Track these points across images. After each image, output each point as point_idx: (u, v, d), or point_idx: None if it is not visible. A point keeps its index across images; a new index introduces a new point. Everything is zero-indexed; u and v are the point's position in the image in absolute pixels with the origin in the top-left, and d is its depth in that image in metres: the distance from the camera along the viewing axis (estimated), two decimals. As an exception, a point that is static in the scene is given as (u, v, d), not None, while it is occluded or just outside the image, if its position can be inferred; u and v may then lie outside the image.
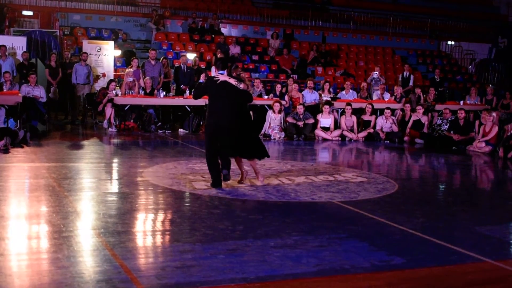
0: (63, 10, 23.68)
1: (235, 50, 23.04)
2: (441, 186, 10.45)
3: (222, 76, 8.75)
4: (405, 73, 21.16)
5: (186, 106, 16.10)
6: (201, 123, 16.32)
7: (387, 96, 18.53)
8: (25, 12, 23.14)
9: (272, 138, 15.27)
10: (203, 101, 15.98)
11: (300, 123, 15.71)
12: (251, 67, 23.26)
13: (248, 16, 27.27)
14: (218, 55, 17.19)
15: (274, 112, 15.62)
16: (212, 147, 8.65)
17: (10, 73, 15.65)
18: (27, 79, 15.52)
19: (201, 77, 10.33)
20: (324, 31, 27.39)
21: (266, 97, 17.13)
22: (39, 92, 15.17)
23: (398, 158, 13.81)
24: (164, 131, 15.80)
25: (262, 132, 15.52)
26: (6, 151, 11.28)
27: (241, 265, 5.17)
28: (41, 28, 21.09)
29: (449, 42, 29.67)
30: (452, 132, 15.27)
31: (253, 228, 6.47)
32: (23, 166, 9.93)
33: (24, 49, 17.88)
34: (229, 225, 6.52)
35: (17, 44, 18.22)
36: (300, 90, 17.74)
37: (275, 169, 10.44)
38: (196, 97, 9.32)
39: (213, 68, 9.26)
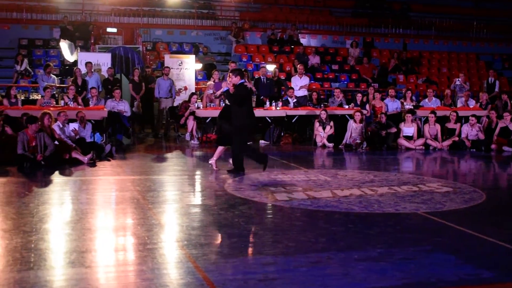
0: (145, 26, 24.29)
1: (314, 60, 22.99)
2: (532, 196, 10.03)
3: (247, 84, 10.96)
4: (490, 78, 20.54)
5: (267, 117, 16.12)
6: (282, 134, 16.32)
7: (472, 103, 18.00)
8: (109, 29, 23.86)
9: (354, 148, 15.08)
10: (283, 112, 16.04)
11: (383, 132, 15.45)
12: (331, 76, 23.14)
13: (327, 25, 27.17)
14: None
15: (355, 121, 15.44)
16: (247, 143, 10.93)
17: (96, 88, 16.16)
18: (112, 94, 15.96)
19: (222, 87, 11.52)
20: (404, 38, 26.98)
21: (346, 106, 16.97)
22: (124, 107, 15.57)
23: (485, 166, 13.37)
24: (245, 142, 15.87)
25: (344, 142, 15.37)
26: (93, 164, 11.61)
27: (323, 279, 5.09)
28: (124, 44, 21.65)
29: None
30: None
31: (335, 240, 6.38)
32: (109, 179, 10.19)
33: (109, 65, 18.39)
34: (312, 237, 6.44)
35: (102, 60, 18.77)
36: (382, 99, 17.47)
37: (357, 180, 10.29)
38: (240, 104, 10.66)
39: (233, 78, 10.74)
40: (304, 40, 25.57)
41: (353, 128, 15.45)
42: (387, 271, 5.33)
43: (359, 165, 12.67)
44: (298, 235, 6.53)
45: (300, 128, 16.89)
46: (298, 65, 18.97)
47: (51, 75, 17.44)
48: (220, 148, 11.20)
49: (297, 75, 18.44)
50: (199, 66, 20.79)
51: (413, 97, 18.53)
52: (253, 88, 11.42)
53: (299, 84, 18.03)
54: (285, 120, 16.27)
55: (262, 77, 17.73)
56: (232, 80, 10.72)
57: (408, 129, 15.78)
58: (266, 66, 19.19)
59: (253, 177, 10.36)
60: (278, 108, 16.17)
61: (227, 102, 11.22)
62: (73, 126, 13.03)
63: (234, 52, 23.88)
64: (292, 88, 17.58)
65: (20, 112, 13.48)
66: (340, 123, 16.04)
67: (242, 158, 10.90)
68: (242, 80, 10.81)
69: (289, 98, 17.08)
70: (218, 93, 11.19)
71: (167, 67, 18.08)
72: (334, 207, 8.01)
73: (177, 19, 25.38)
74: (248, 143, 11.18)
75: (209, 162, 11.25)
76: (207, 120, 15.99)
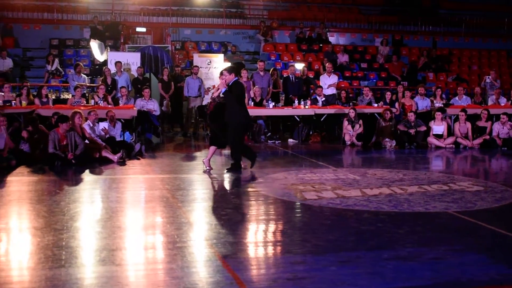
0: (174, 26, 24.41)
1: (343, 58, 22.91)
2: None
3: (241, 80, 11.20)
4: (521, 76, 20.24)
5: (295, 116, 16.09)
6: (310, 132, 16.27)
7: (503, 101, 17.75)
8: (138, 29, 24.03)
9: (383, 146, 14.98)
10: (312, 111, 15.99)
11: (412, 131, 15.31)
12: (359, 75, 23.03)
13: (355, 23, 27.03)
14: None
15: (384, 120, 15.34)
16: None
17: (125, 88, 16.28)
18: (142, 93, 16.07)
19: (220, 86, 10.97)
20: (434, 35, 26.70)
21: (376, 105, 16.87)
22: (153, 106, 15.66)
23: (516, 165, 13.19)
24: (273, 141, 15.88)
25: (372, 140, 15.28)
26: (122, 163, 11.70)
27: (353, 278, 5.06)
28: (154, 44, 21.79)
29: None
30: None
31: (365, 239, 6.34)
32: (139, 178, 10.25)
33: (138, 65, 18.53)
34: (341, 236, 6.41)
35: (132, 60, 18.92)
36: (411, 97, 17.32)
37: (387, 179, 10.21)
38: (238, 102, 10.69)
39: (227, 75, 10.67)
40: (332, 39, 25.47)
41: (382, 127, 15.34)
42: (417, 271, 5.27)
43: (388, 164, 12.58)
44: (327, 234, 6.51)
45: (328, 127, 16.82)
46: (327, 64, 18.93)
47: (82, 74, 17.60)
48: (212, 148, 11.05)
49: (325, 74, 18.40)
50: (228, 65, 20.73)
51: (443, 95, 18.33)
52: (245, 85, 11.37)
53: (328, 82, 17.98)
54: (314, 118, 16.22)
55: (290, 76, 17.73)
56: (226, 78, 10.66)
57: (438, 127, 15.62)
58: (295, 64, 19.16)
59: (281, 176, 10.35)
60: (306, 106, 16.14)
61: (218, 100, 11.02)
62: (103, 125, 13.15)
63: (263, 51, 23.89)
64: (321, 87, 17.53)
65: (51, 111, 13.63)
66: (369, 121, 15.94)
67: (240, 155, 10.96)
68: (236, 78, 10.84)
69: (317, 97, 17.03)
70: (216, 94, 10.97)
71: (196, 66, 18.15)
72: (363, 206, 7.96)
73: (206, 18, 25.48)
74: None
75: (203, 160, 11.12)
76: (236, 119, 16.00)
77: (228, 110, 10.69)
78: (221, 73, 10.93)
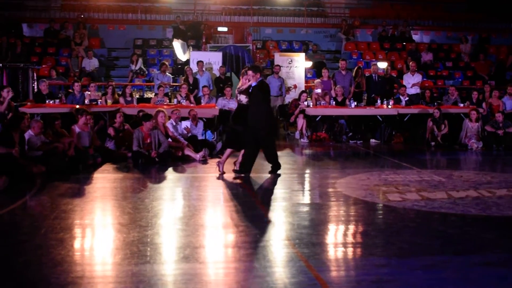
0: (255, 25, 24.54)
1: (427, 57, 22.46)
2: None
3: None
4: None
5: (378, 116, 15.88)
6: (393, 133, 16.03)
7: None
8: (220, 29, 24.26)
9: (469, 147, 14.57)
10: (395, 111, 15.75)
11: (500, 132, 14.84)
12: (444, 74, 22.52)
13: (440, 21, 26.42)
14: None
15: (470, 120, 14.93)
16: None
17: (207, 87, 16.48)
18: (223, 93, 16.23)
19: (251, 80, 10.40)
20: (524, 33, 25.79)
21: (461, 105, 16.46)
22: (234, 105, 15.77)
23: None
24: (355, 141, 15.73)
25: (458, 142, 14.91)
26: (204, 162, 11.86)
27: (440, 282, 4.95)
28: (235, 43, 21.96)
29: None
30: None
31: (452, 243, 6.19)
32: (221, 176, 10.30)
33: (220, 64, 18.72)
34: (426, 240, 6.28)
35: (213, 59, 19.13)
36: (499, 97, 16.79)
37: (474, 181, 9.93)
38: (269, 101, 10.66)
39: (253, 75, 10.22)
40: (416, 37, 24.99)
41: (469, 128, 14.94)
42: (508, 277, 5.11)
43: (475, 166, 12.26)
44: (412, 237, 6.39)
45: (412, 127, 16.51)
46: (411, 62, 18.63)
47: (167, 73, 17.86)
48: (228, 151, 10.50)
49: (409, 73, 18.10)
50: (309, 64, 20.78)
51: (534, 95, 17.67)
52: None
53: (411, 81, 17.68)
54: (397, 119, 15.96)
55: (373, 75, 17.51)
56: (251, 78, 10.20)
57: (528, 128, 15.06)
58: (378, 63, 18.91)
59: (364, 177, 10.24)
60: (389, 106, 15.90)
61: (240, 101, 10.41)
62: (185, 124, 13.37)
63: (344, 50, 23.70)
64: (404, 86, 17.25)
65: (135, 110, 13.97)
66: (455, 122, 15.55)
67: (276, 155, 10.66)
68: (261, 78, 10.34)
69: (401, 96, 16.76)
70: (245, 86, 10.24)
71: (277, 65, 18.18)
72: (449, 209, 7.77)
73: (287, 17, 25.47)
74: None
75: (216, 163, 10.55)
76: (317, 119, 15.96)
77: (252, 112, 10.16)
78: (243, 73, 10.55)
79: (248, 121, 10.14)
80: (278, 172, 10.48)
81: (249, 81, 10.21)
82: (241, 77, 10.66)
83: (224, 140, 12.12)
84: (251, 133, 10.17)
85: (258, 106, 10.15)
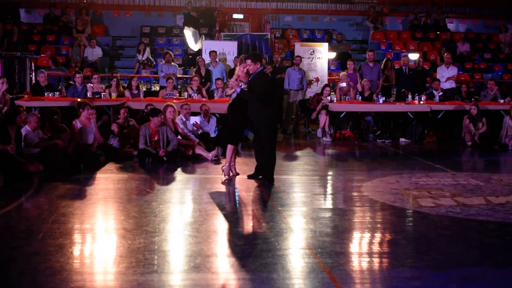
0: (274, 12, 24.49)
1: (463, 48, 22.34)
2: None
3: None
4: None
5: (409, 113, 15.81)
6: (426, 131, 15.95)
7: None
8: (235, 16, 24.20)
9: (510, 148, 14.46)
10: (427, 107, 15.67)
11: (544, 131, 14.73)
12: (482, 66, 22.38)
13: (478, 8, 26.21)
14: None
15: (511, 118, 14.83)
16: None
17: (221, 79, 16.47)
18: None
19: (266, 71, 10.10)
20: None
21: (501, 101, 16.36)
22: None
23: None
24: (383, 140, 15.66)
25: (498, 141, 14.81)
26: (217, 161, 11.83)
27: (478, 297, 4.91)
28: (251, 32, 21.94)
29: None
30: None
31: (491, 253, 6.14)
32: (234, 178, 10.28)
33: (235, 54, 18.68)
34: (463, 250, 6.24)
35: (228, 49, 19.11)
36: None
37: (515, 185, 9.88)
38: (271, 94, 9.75)
39: (252, 64, 9.60)
40: (451, 26, 24.84)
41: (509, 126, 14.83)
42: (554, 293, 5.07)
43: (516, 169, 12.18)
44: (446, 247, 6.34)
45: (446, 125, 16.42)
46: (445, 54, 18.53)
47: (172, 63, 17.80)
48: (230, 148, 9.89)
49: (443, 65, 18.00)
50: (333, 55, 20.71)
51: None
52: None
53: (446, 75, 17.58)
54: (430, 115, 15.89)
55: (404, 67, 17.46)
56: (250, 68, 9.60)
57: None
58: (408, 55, 18.84)
59: (392, 180, 10.19)
60: (421, 102, 15.83)
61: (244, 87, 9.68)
62: (194, 119, 13.33)
63: (372, 40, 23.62)
64: (438, 80, 17.15)
65: (142, 104, 14.00)
66: (494, 119, 15.45)
67: (273, 162, 9.87)
68: (261, 67, 9.76)
69: (434, 91, 16.67)
70: (230, 92, 9.92)
71: (298, 56, 18.15)
72: (488, 216, 7.72)
73: (309, 4, 25.34)
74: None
75: (221, 168, 10.06)
76: (341, 115, 15.91)
77: (251, 106, 9.66)
78: (241, 61, 9.95)
79: (250, 117, 9.87)
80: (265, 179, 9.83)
81: (247, 70, 9.61)
82: (238, 66, 10.15)
83: (224, 135, 11.14)
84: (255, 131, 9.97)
85: (258, 103, 9.54)
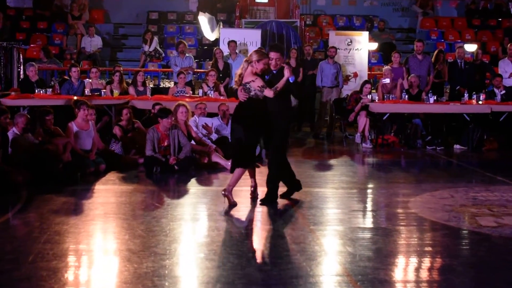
0: (304, -5, 24.52)
1: (530, 37, 22.22)
2: None
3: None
4: None
5: (465, 115, 15.74)
6: (485, 137, 15.86)
7: None
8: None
9: None
10: (487, 108, 15.58)
11: None
12: (554, 60, 22.23)
13: (548, -10, 26.12)
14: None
15: None
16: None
17: (242, 74, 16.47)
18: (263, 82, 16.21)
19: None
20: None
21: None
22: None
23: None
24: (434, 147, 15.60)
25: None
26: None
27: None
28: (277, 19, 21.97)
29: None
30: None
31: None
32: (256, 190, 10.18)
33: (258, 45, 18.67)
34: (531, 278, 6.22)
35: (250, 38, 19.12)
36: None
37: None
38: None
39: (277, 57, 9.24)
40: (516, 11, 24.79)
41: None
42: None
43: None
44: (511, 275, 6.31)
45: (510, 130, 16.34)
46: (508, 45, 18.40)
47: (186, 55, 17.78)
48: (238, 172, 9.22)
49: (506, 58, 17.91)
50: (374, 46, 20.70)
51: None
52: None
53: (510, 70, 17.46)
54: (490, 118, 15.80)
55: (458, 61, 17.38)
56: (278, 62, 9.23)
57: None
58: (464, 46, 18.77)
59: (446, 194, 10.15)
60: (480, 102, 15.74)
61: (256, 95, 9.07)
62: (204, 120, 13.23)
63: (420, 28, 23.60)
64: (500, 76, 17.06)
65: (149, 103, 14.03)
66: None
67: (278, 180, 9.57)
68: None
69: (495, 89, 16.59)
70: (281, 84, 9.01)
71: (333, 47, 18.12)
72: (561, 239, 7.68)
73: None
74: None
75: (222, 192, 9.25)
76: (384, 117, 15.86)
77: (273, 107, 9.15)
78: (262, 55, 9.21)
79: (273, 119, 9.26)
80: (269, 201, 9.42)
81: (265, 67, 9.07)
82: (244, 64, 9.18)
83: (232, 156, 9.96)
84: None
85: (279, 102, 9.15)
